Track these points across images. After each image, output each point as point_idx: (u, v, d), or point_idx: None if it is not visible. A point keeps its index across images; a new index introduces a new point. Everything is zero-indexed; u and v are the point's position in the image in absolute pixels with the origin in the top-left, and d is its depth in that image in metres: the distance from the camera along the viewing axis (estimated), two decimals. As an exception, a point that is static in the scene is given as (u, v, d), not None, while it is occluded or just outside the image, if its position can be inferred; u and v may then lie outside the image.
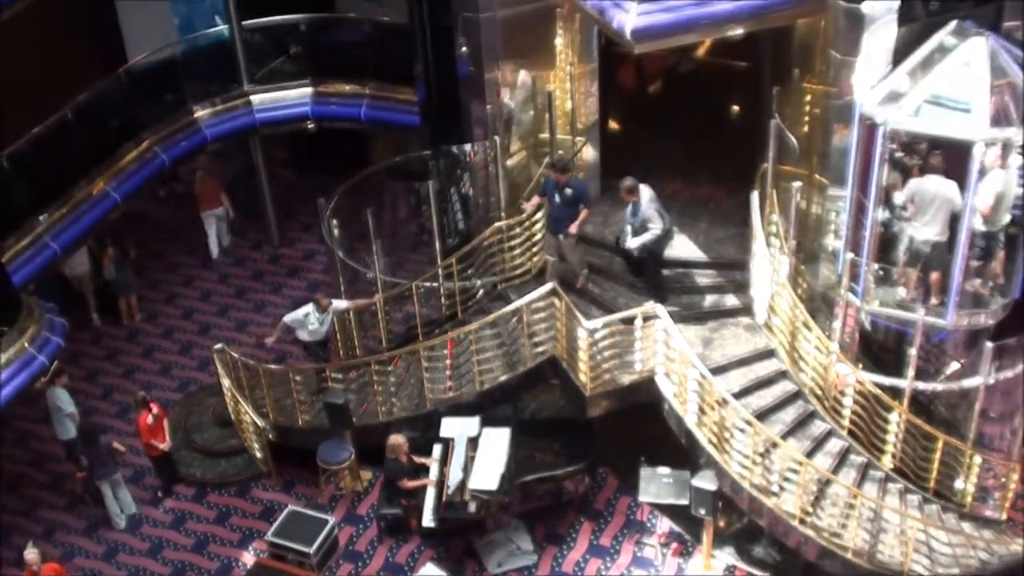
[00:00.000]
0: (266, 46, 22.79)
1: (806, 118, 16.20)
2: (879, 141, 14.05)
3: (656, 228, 16.69)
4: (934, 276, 14.66)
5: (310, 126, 22.59)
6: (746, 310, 17.13)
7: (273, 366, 19.55)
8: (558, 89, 17.97)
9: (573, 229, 17.15)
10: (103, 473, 18.23)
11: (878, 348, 16.28)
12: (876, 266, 14.85)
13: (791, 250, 15.73)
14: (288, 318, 18.77)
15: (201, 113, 22.25)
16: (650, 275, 17.27)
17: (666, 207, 16.95)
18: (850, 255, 14.93)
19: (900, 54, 14.36)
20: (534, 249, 18.11)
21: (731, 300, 17.33)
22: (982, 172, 13.78)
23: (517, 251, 18.21)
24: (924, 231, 14.46)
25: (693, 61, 20.61)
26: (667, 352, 15.96)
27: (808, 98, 16.05)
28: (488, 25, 17.21)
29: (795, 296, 15.83)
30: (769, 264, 16.11)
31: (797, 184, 15.50)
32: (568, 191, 17.05)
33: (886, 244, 14.83)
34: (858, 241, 14.87)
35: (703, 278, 17.59)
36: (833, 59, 14.75)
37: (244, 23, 22.18)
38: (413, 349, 17.95)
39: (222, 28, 22.83)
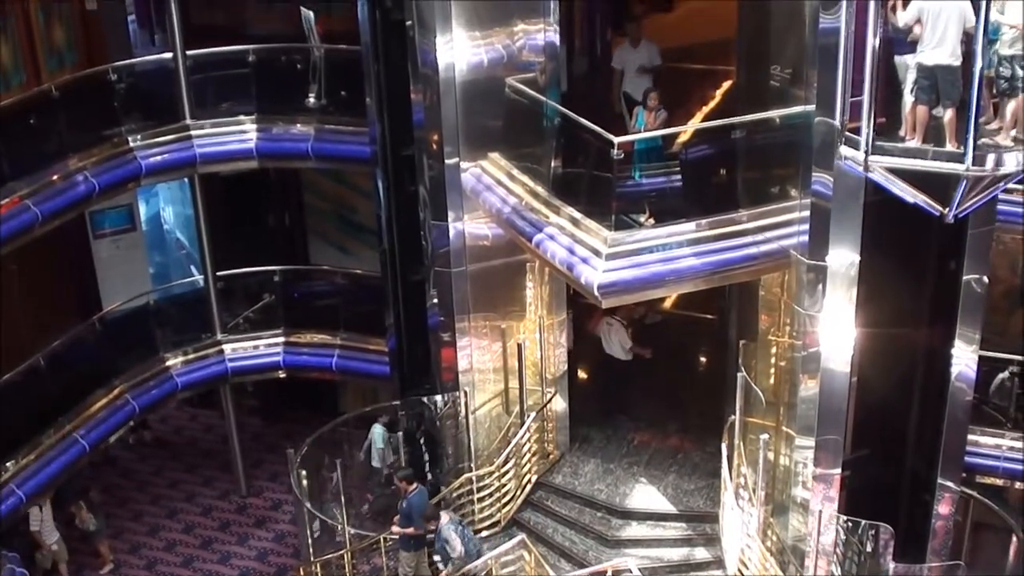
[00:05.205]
0: (239, 295, 23.10)
1: (772, 370, 16.40)
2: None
3: (456, 554, 15.99)
4: (948, 115, 12.38)
5: (281, 375, 22.75)
6: (716, 563, 16.92)
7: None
8: (528, 339, 18.20)
9: (395, 529, 16.74)
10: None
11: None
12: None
13: (760, 502, 15.70)
14: None
15: (173, 361, 22.36)
16: None
17: (634, 458, 16.86)
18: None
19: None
20: (504, 500, 18.01)
21: (701, 553, 17.14)
22: None
23: (487, 502, 18.06)
24: (934, 54, 12.33)
25: (661, 313, 20.94)
26: (638, 607, 15.72)
27: (774, 351, 16.27)
28: (459, 279, 17.50)
29: (765, 549, 15.72)
30: (739, 517, 16.05)
31: (765, 436, 15.59)
32: (404, 504, 16.72)
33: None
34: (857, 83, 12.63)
35: (672, 530, 17.43)
36: (797, 313, 14.93)
37: (218, 273, 22.53)
38: (380, 603, 17.64)
39: (197, 278, 23.19)
